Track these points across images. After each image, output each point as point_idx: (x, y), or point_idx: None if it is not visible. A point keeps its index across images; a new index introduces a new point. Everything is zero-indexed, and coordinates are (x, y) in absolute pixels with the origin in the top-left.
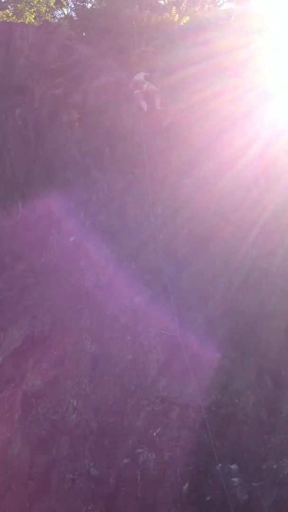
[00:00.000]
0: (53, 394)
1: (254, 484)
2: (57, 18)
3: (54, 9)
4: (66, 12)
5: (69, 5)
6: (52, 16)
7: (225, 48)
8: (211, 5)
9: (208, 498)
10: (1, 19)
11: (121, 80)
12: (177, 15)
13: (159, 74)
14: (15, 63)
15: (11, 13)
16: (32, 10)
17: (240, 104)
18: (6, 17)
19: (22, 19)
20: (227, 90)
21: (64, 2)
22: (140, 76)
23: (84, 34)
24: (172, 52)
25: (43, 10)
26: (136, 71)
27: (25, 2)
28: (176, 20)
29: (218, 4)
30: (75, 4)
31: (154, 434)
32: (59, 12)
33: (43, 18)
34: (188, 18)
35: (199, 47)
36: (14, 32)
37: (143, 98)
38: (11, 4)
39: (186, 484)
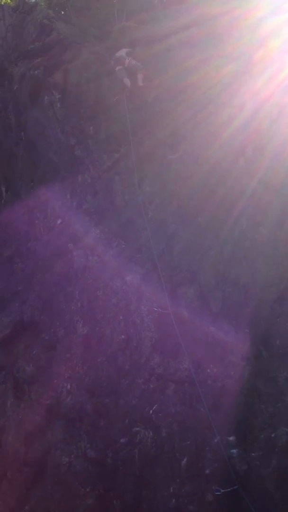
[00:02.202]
0: (46, 379)
1: (253, 454)
2: None
3: None
4: None
5: None
6: None
7: (207, 16)
8: None
9: (207, 471)
10: None
11: (102, 57)
12: None
13: (141, 47)
14: None
15: None
16: None
17: (224, 73)
18: None
19: None
20: (211, 60)
21: None
22: (121, 53)
23: (62, 12)
24: (153, 25)
25: None
26: (117, 47)
27: None
28: None
29: None
30: None
31: (151, 411)
32: None
33: None
34: None
35: (180, 17)
36: None
37: (126, 74)
38: None
39: (185, 459)
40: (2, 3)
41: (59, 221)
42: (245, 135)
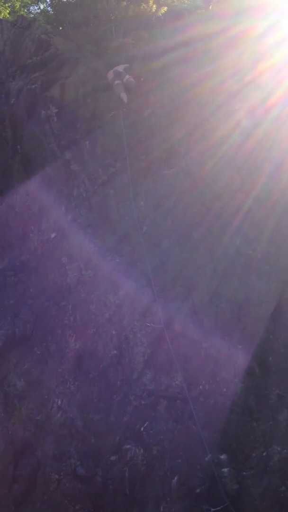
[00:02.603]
0: (37, 394)
1: (244, 473)
2: (32, 13)
3: (30, 4)
4: (42, 7)
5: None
6: (27, 11)
7: (204, 34)
8: None
9: (197, 490)
10: None
11: (99, 72)
12: (154, 6)
13: (138, 64)
14: None
15: None
16: (7, 5)
17: (220, 91)
18: None
19: None
20: (207, 77)
21: None
22: (120, 68)
23: (60, 28)
24: (150, 42)
25: (18, 6)
26: (114, 62)
27: None
28: (154, 10)
29: None
30: None
31: (142, 428)
32: (35, 7)
33: (18, 13)
34: (166, 8)
35: (177, 35)
36: None
37: (123, 89)
38: None
39: (175, 478)
40: (1, 18)
41: (53, 235)
42: (240, 152)
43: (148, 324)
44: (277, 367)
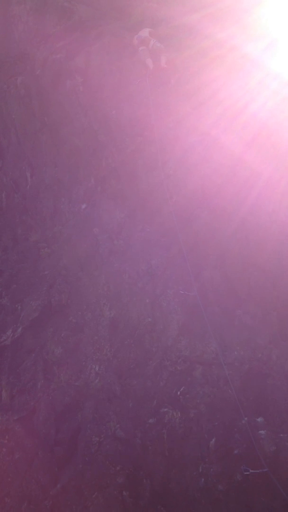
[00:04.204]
0: (75, 360)
1: (281, 435)
2: None
3: None
4: None
5: None
6: None
7: None
8: None
9: (235, 451)
10: None
11: (124, 40)
12: None
13: (163, 27)
14: (13, 30)
15: None
16: None
17: (240, 54)
18: None
19: None
20: (228, 39)
21: None
22: (145, 33)
23: None
24: (175, 5)
25: None
26: (139, 28)
27: None
28: None
29: None
30: None
31: (178, 393)
32: None
33: None
34: None
35: None
36: None
37: (149, 55)
38: None
39: (213, 440)
40: None
41: (84, 206)
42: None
43: (182, 292)
44: None
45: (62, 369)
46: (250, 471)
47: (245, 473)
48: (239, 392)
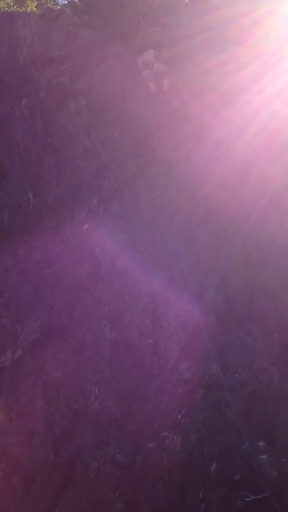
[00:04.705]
0: (74, 383)
1: (283, 460)
2: (59, 4)
3: None
4: None
5: None
6: (54, 3)
7: (230, 16)
8: None
9: (237, 477)
10: (3, 9)
11: (127, 63)
12: None
13: (165, 50)
14: (18, 53)
15: (12, 2)
16: None
17: (243, 75)
18: (7, 6)
19: (23, 8)
20: (231, 60)
21: None
22: (149, 56)
23: (87, 18)
24: (178, 29)
25: None
26: (143, 51)
27: None
28: None
29: None
30: None
31: (179, 416)
32: None
33: (45, 6)
34: None
35: (203, 16)
36: (16, 22)
37: (152, 78)
38: None
39: (214, 465)
40: (28, 11)
41: (85, 226)
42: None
43: (183, 313)
44: None
45: (61, 392)
46: (252, 497)
47: (246, 499)
48: (241, 415)
